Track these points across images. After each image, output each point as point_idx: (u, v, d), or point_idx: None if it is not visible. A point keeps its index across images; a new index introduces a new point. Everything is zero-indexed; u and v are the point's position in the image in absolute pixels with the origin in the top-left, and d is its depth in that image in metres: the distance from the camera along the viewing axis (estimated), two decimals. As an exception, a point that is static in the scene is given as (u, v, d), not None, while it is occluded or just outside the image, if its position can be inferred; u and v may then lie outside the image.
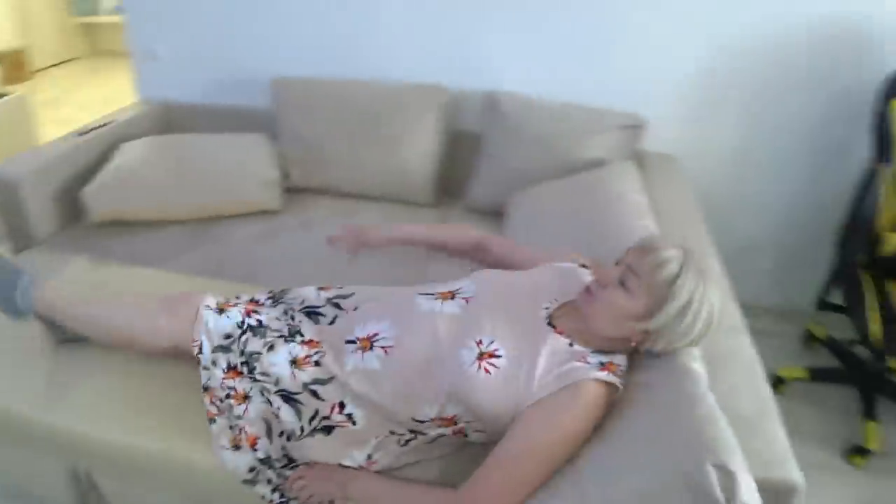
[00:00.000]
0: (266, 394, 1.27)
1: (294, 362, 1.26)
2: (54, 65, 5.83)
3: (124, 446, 1.38)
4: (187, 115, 2.58)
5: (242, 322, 1.33)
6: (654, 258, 1.14)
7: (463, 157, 2.37)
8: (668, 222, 1.78)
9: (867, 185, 2.05)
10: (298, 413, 1.24)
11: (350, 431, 1.22)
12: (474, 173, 2.27)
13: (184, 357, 1.44)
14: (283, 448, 1.27)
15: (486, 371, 1.15)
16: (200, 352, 1.33)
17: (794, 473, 1.07)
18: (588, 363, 1.16)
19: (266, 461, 1.28)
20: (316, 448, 1.24)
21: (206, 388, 1.33)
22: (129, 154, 2.15)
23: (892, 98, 1.98)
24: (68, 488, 1.56)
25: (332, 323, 1.36)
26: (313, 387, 1.23)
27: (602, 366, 1.15)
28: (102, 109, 4.67)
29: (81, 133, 2.28)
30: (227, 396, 1.31)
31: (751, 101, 2.28)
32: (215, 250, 2.00)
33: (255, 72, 2.48)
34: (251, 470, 1.28)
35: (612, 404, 1.16)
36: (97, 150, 2.26)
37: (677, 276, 1.12)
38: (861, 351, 2.36)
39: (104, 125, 2.35)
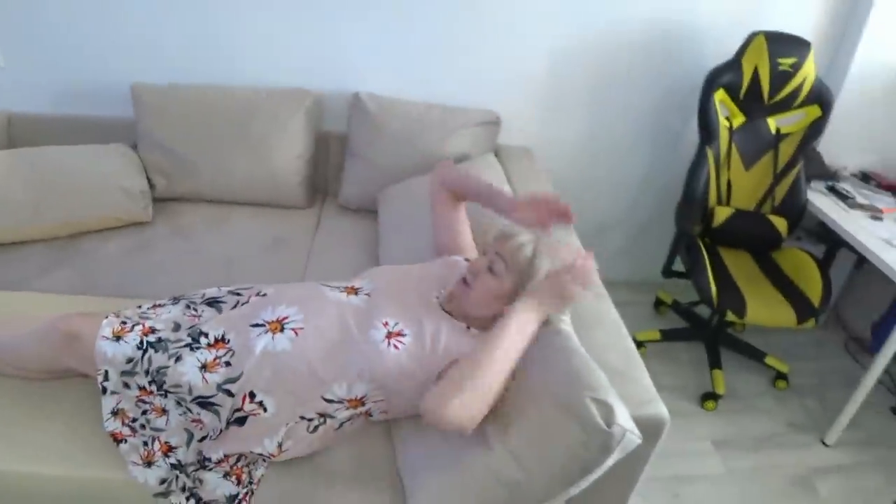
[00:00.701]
0: (183, 404, 1.27)
1: (204, 367, 1.26)
2: None
3: (24, 476, 1.31)
4: (34, 128, 2.39)
5: (141, 342, 1.31)
6: (513, 242, 1.33)
7: (332, 158, 2.43)
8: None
9: (697, 166, 2.33)
10: (217, 414, 1.25)
11: (262, 419, 1.25)
12: (344, 173, 2.33)
13: (68, 375, 1.42)
14: (199, 452, 1.28)
15: (396, 347, 1.25)
16: (106, 379, 1.30)
17: (661, 409, 1.25)
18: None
19: (178, 466, 1.28)
20: (230, 440, 1.25)
21: (115, 412, 1.31)
22: (-25, 172, 2.00)
23: (714, 90, 2.27)
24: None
25: (234, 308, 1.39)
26: (226, 386, 1.25)
27: None
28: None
29: (-87, 153, 2.08)
30: (144, 413, 1.31)
31: (594, 96, 2.50)
32: (84, 267, 1.90)
33: (109, 79, 2.36)
34: (163, 482, 1.28)
35: None
36: (-66, 170, 2.07)
37: (534, 255, 1.31)
38: (703, 310, 2.69)
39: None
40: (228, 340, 1.29)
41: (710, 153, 2.32)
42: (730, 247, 2.49)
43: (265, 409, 1.25)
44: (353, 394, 1.27)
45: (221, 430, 1.25)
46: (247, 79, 2.34)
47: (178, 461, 1.29)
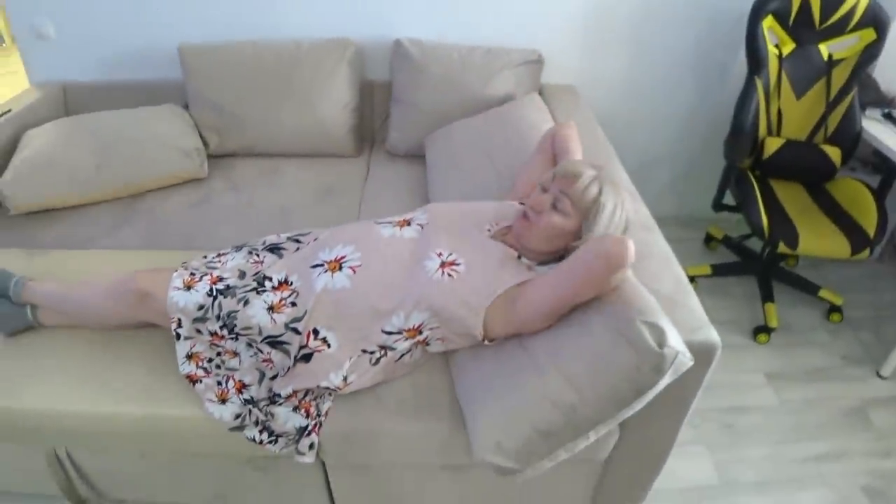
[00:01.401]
0: (254, 345, 1.35)
1: (271, 308, 1.33)
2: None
3: (102, 417, 1.40)
4: (88, 96, 2.49)
5: (211, 290, 1.38)
6: (581, 182, 1.34)
7: (377, 106, 2.47)
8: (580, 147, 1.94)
9: (746, 97, 2.28)
10: (286, 352, 1.33)
11: (326, 355, 1.32)
12: (389, 120, 2.36)
13: (142, 325, 1.52)
14: (269, 389, 1.36)
15: (450, 276, 1.30)
16: (180, 326, 1.38)
17: (713, 335, 1.26)
18: (535, 271, 1.36)
19: (251, 402, 1.36)
20: (299, 376, 1.33)
21: (189, 356, 1.40)
22: (39, 141, 2.08)
23: (762, 17, 2.20)
24: (51, 476, 1.57)
25: (294, 252, 1.46)
26: (293, 325, 1.32)
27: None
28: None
29: (-22, 126, 2.19)
30: (218, 355, 1.40)
31: (636, 30, 2.45)
32: (148, 224, 2.00)
33: (155, 43, 2.42)
34: (237, 417, 1.37)
35: None
36: (2, 141, 2.18)
37: (600, 192, 1.33)
38: (754, 244, 2.66)
39: (1, 115, 2.26)
40: (291, 282, 1.36)
41: (758, 83, 2.27)
42: (781, 178, 2.44)
43: (329, 345, 1.32)
44: (410, 323, 1.32)
45: (290, 368, 1.33)
46: (289, 32, 2.37)
47: (251, 397, 1.37)
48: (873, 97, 2.39)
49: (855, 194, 2.29)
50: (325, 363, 1.32)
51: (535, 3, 2.35)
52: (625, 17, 2.42)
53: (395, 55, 2.29)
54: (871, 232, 2.12)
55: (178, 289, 1.38)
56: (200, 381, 1.40)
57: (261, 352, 1.35)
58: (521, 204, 1.59)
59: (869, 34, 2.21)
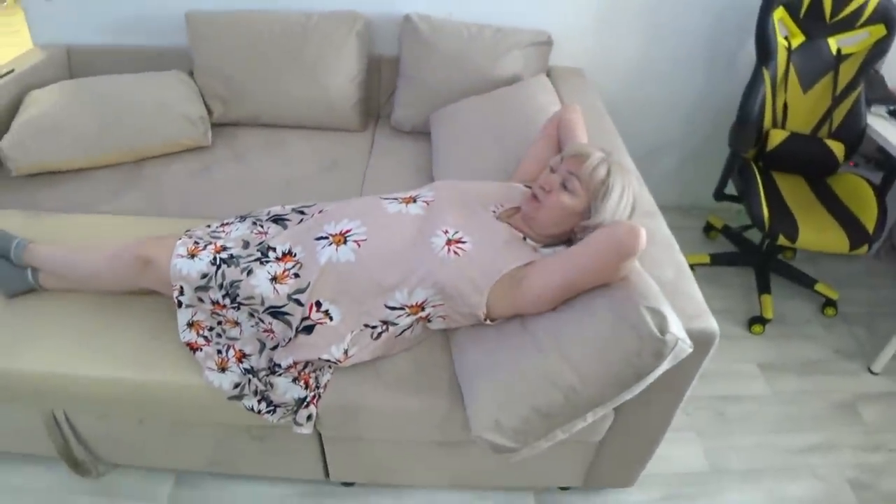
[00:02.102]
0: (256, 314, 1.36)
1: (274, 279, 1.34)
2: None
3: (101, 381, 1.41)
4: (93, 59, 2.47)
5: (214, 259, 1.38)
6: (589, 162, 1.35)
7: (383, 81, 2.45)
8: (586, 132, 1.93)
9: (753, 87, 2.28)
10: (288, 323, 1.33)
11: (328, 327, 1.33)
12: (396, 95, 2.35)
13: (144, 291, 1.52)
14: (270, 359, 1.37)
15: (455, 254, 1.30)
16: (182, 294, 1.39)
17: (712, 323, 1.27)
18: (540, 253, 1.37)
19: (250, 371, 1.37)
20: (300, 348, 1.34)
21: (190, 324, 1.41)
22: (43, 102, 2.07)
23: (774, 8, 2.19)
24: (49, 438, 1.58)
25: (298, 224, 1.46)
26: (295, 296, 1.32)
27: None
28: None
29: (-19, 85, 2.17)
30: (219, 324, 1.40)
31: (647, 14, 2.44)
32: (151, 190, 1.99)
33: (162, 8, 2.39)
34: (236, 386, 1.37)
35: None
36: (3, 100, 2.14)
37: (609, 173, 1.34)
38: (753, 236, 2.68)
39: (5, 74, 2.23)
40: (295, 254, 1.37)
41: (766, 74, 2.27)
42: (784, 171, 2.45)
43: (331, 318, 1.33)
44: (413, 300, 1.33)
45: (291, 339, 1.34)
46: (297, 3, 2.34)
47: (251, 367, 1.38)
48: (880, 94, 2.39)
49: (856, 190, 2.29)
50: (326, 335, 1.33)
51: (546, -18, 2.34)
52: (637, 2, 2.40)
53: (403, 30, 2.28)
54: (871, 228, 2.13)
55: (182, 256, 1.38)
56: (201, 350, 1.40)
57: (262, 322, 1.36)
58: (528, 187, 1.59)
59: (879, 30, 2.21)
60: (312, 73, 2.22)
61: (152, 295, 1.53)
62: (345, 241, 1.35)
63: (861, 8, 2.17)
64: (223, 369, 1.38)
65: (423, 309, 1.35)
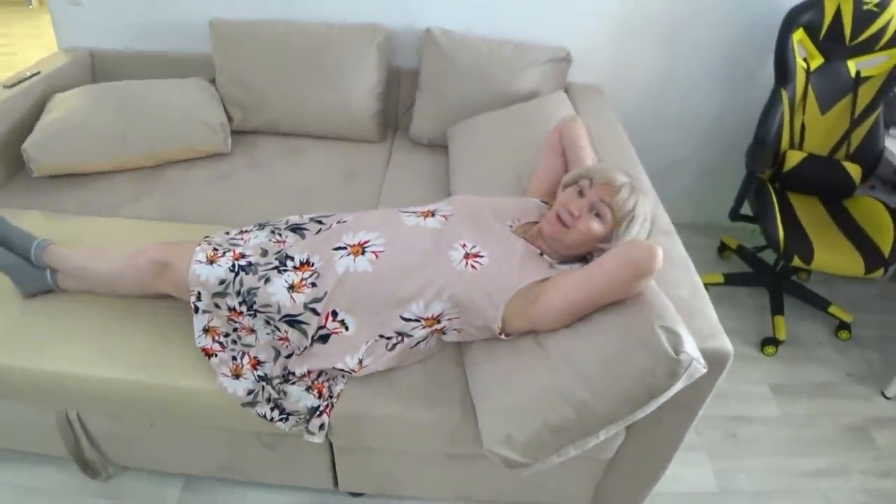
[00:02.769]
0: (272, 322, 1.37)
1: (291, 287, 1.35)
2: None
3: (116, 382, 1.42)
4: (116, 64, 2.51)
5: (233, 266, 1.40)
6: (622, 194, 1.36)
7: (402, 93, 2.47)
8: (603, 148, 1.94)
9: (771, 108, 2.28)
10: (304, 332, 1.34)
11: (343, 337, 1.34)
12: (414, 108, 2.37)
13: (160, 296, 1.53)
14: (284, 367, 1.38)
15: (473, 267, 1.31)
16: (199, 299, 1.40)
17: (726, 343, 1.27)
18: (556, 269, 1.37)
19: (265, 378, 1.38)
20: (314, 357, 1.35)
21: (206, 330, 1.42)
22: (67, 105, 2.09)
23: (793, 30, 2.20)
24: (61, 437, 1.59)
25: (317, 234, 1.48)
26: (312, 305, 1.33)
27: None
28: (3, 63, 4.40)
29: (7, 86, 2.20)
30: (235, 330, 1.41)
31: (667, 33, 2.45)
32: (170, 196, 2.01)
33: (186, 16, 2.43)
34: (250, 393, 1.38)
35: None
36: (28, 102, 2.18)
37: (637, 203, 1.36)
38: (767, 256, 2.67)
39: (31, 76, 2.27)
40: (313, 263, 1.38)
41: (784, 95, 2.27)
42: (800, 192, 2.44)
43: (347, 328, 1.34)
44: (429, 312, 1.34)
45: (306, 347, 1.35)
46: (318, 14, 2.37)
47: (265, 374, 1.39)
48: (899, 117, 2.38)
49: (873, 213, 2.28)
50: (341, 345, 1.34)
51: (568, 0, 2.35)
52: (656, 20, 2.41)
53: (424, 43, 2.30)
54: (887, 251, 2.12)
55: (201, 262, 1.39)
56: (216, 356, 1.41)
57: (278, 330, 1.37)
58: (544, 202, 1.60)
59: (899, 54, 2.21)
60: (333, 84, 2.24)
61: (168, 299, 1.55)
62: (363, 252, 1.36)
63: (881, 31, 2.17)
64: (237, 376, 1.39)
65: (438, 321, 1.36)
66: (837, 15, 2.16)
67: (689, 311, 1.31)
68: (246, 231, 1.56)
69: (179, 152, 2.14)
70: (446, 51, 2.23)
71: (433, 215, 1.46)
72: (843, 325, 2.49)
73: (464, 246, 1.36)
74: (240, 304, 1.36)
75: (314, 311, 1.33)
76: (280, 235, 1.52)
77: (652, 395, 1.14)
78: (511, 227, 1.48)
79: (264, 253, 1.44)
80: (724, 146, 2.75)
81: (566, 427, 1.19)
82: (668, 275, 1.41)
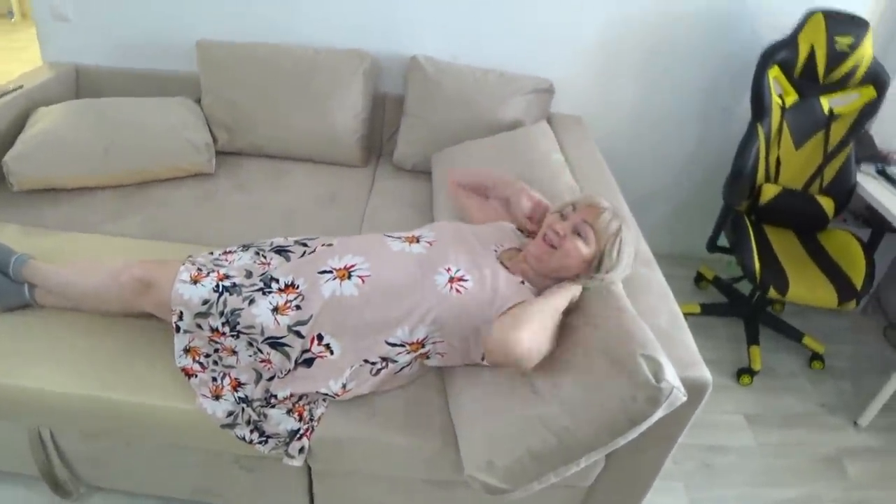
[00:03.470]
0: (254, 344, 1.36)
1: (276, 309, 1.34)
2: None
3: (91, 400, 1.39)
4: (101, 80, 2.50)
5: (217, 286, 1.39)
6: (605, 216, 1.39)
7: (387, 118, 2.50)
8: (584, 178, 1.98)
9: (747, 142, 2.34)
10: (287, 355, 1.34)
11: (328, 361, 1.34)
12: (399, 134, 2.39)
13: (141, 313, 1.52)
14: (266, 389, 1.37)
15: (458, 291, 1.32)
16: (181, 319, 1.39)
17: (705, 373, 1.29)
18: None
19: (245, 400, 1.37)
20: (298, 380, 1.34)
21: (186, 350, 1.41)
22: (50, 119, 2.08)
23: (769, 67, 2.27)
24: (32, 455, 1.56)
25: (301, 257, 1.48)
26: (296, 328, 1.33)
27: None
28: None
29: (-9, 98, 2.18)
30: (216, 351, 1.40)
31: (647, 68, 2.51)
32: (153, 214, 2.00)
33: (173, 35, 2.44)
34: (229, 414, 1.37)
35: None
36: (10, 115, 2.16)
37: (620, 227, 1.39)
38: (743, 287, 2.71)
39: (14, 90, 2.25)
40: (298, 286, 1.38)
41: (760, 130, 2.33)
42: (775, 225, 2.50)
43: (332, 352, 1.34)
44: (414, 337, 1.34)
45: (290, 371, 1.34)
46: (306, 38, 2.39)
47: (246, 396, 1.38)
48: (869, 153, 2.46)
49: (845, 246, 2.34)
50: (326, 369, 1.34)
51: (551, 30, 2.40)
52: (637, 52, 2.47)
53: (410, 70, 2.33)
54: (859, 284, 2.17)
55: (185, 282, 1.39)
56: (196, 376, 1.40)
57: (260, 352, 1.36)
58: (519, 230, 1.62)
59: (869, 92, 2.28)
60: (318, 108, 2.25)
61: (147, 318, 1.53)
62: (349, 276, 1.36)
63: (853, 70, 2.25)
64: (217, 397, 1.38)
65: (423, 346, 1.36)
66: (811, 54, 2.24)
67: (667, 340, 1.32)
68: (230, 252, 1.56)
69: (163, 171, 2.13)
70: (432, 77, 2.27)
71: (418, 241, 1.47)
72: (817, 356, 2.54)
73: (448, 270, 1.37)
74: (223, 324, 1.36)
75: (298, 334, 1.32)
76: (264, 257, 1.52)
77: (633, 423, 1.15)
78: (496, 251, 1.50)
79: (248, 274, 1.44)
80: (702, 178, 2.81)
81: (547, 454, 1.20)
82: (648, 304, 1.44)
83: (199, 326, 1.39)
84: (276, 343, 1.34)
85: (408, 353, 1.37)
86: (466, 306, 1.33)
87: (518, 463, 1.21)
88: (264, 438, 1.37)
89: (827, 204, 2.37)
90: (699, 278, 2.92)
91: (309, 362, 1.34)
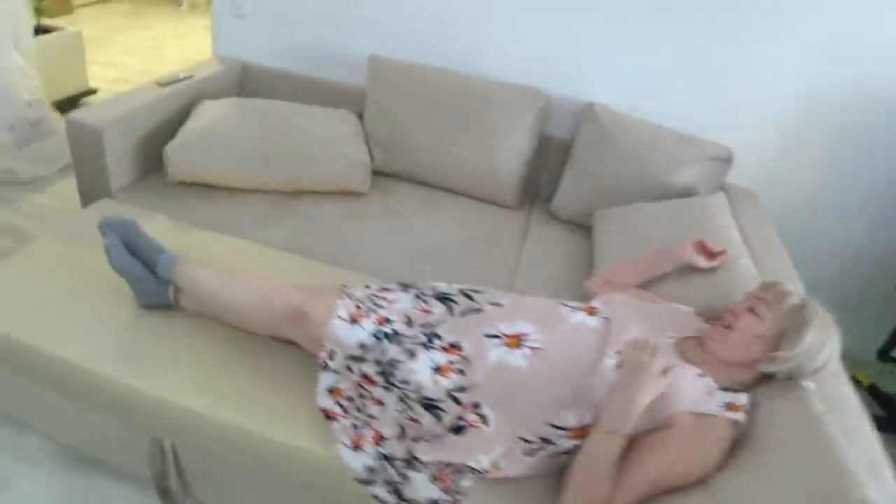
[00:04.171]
0: (405, 400, 1.26)
1: (437, 369, 1.24)
2: (93, 2, 5.66)
3: (218, 423, 1.32)
4: (264, 80, 2.52)
5: (377, 332, 1.30)
6: (779, 288, 1.27)
7: (549, 162, 2.37)
8: (761, 261, 1.78)
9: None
10: (439, 418, 1.23)
11: (480, 433, 1.22)
12: (561, 181, 2.25)
13: (286, 339, 1.45)
14: (408, 450, 1.26)
15: None
16: (331, 357, 1.31)
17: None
18: (715, 399, 1.20)
19: (387, 458, 1.27)
20: (445, 447, 1.23)
21: (330, 390, 1.32)
22: (214, 114, 2.08)
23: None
24: (149, 462, 1.51)
25: (464, 315, 1.35)
26: (455, 393, 1.22)
27: (727, 406, 1.20)
28: (149, 56, 4.57)
29: (162, 84, 2.22)
30: (361, 397, 1.30)
31: (833, 150, 2.29)
32: (300, 226, 1.95)
33: (346, 47, 2.43)
34: (369, 470, 1.26)
35: (737, 441, 1.19)
36: (177, 104, 2.20)
37: (802, 304, 1.25)
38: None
39: (184, 79, 2.28)
40: (462, 348, 1.26)
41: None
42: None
43: (486, 423, 1.22)
44: (582, 423, 1.21)
45: (438, 435, 1.23)
46: (478, 66, 2.32)
47: (389, 453, 1.27)
48: None
49: None
50: (476, 441, 1.22)
51: (737, 96, 2.22)
52: (824, 133, 2.25)
53: (583, 117, 2.20)
54: None
55: (342, 319, 1.30)
56: (337, 420, 1.30)
57: (411, 409, 1.25)
58: (698, 314, 1.46)
59: None
60: (483, 141, 2.16)
61: (291, 345, 1.46)
62: (519, 345, 1.24)
63: None
64: (357, 447, 1.28)
65: (588, 434, 1.22)
66: None
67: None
68: (388, 289, 1.45)
69: (317, 183, 2.08)
70: (607, 128, 2.12)
71: (593, 314, 1.34)
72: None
73: (619, 353, 1.23)
74: (376, 372, 1.26)
75: (456, 400, 1.21)
76: (426, 302, 1.40)
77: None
78: (672, 338, 1.34)
79: (409, 322, 1.34)
80: (869, 275, 2.53)
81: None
82: (843, 426, 1.23)
83: (350, 369, 1.30)
84: (430, 405, 1.23)
85: (570, 438, 1.23)
86: None
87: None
88: (402, 502, 1.25)
89: None
90: (855, 383, 2.62)
91: (460, 430, 1.22)
